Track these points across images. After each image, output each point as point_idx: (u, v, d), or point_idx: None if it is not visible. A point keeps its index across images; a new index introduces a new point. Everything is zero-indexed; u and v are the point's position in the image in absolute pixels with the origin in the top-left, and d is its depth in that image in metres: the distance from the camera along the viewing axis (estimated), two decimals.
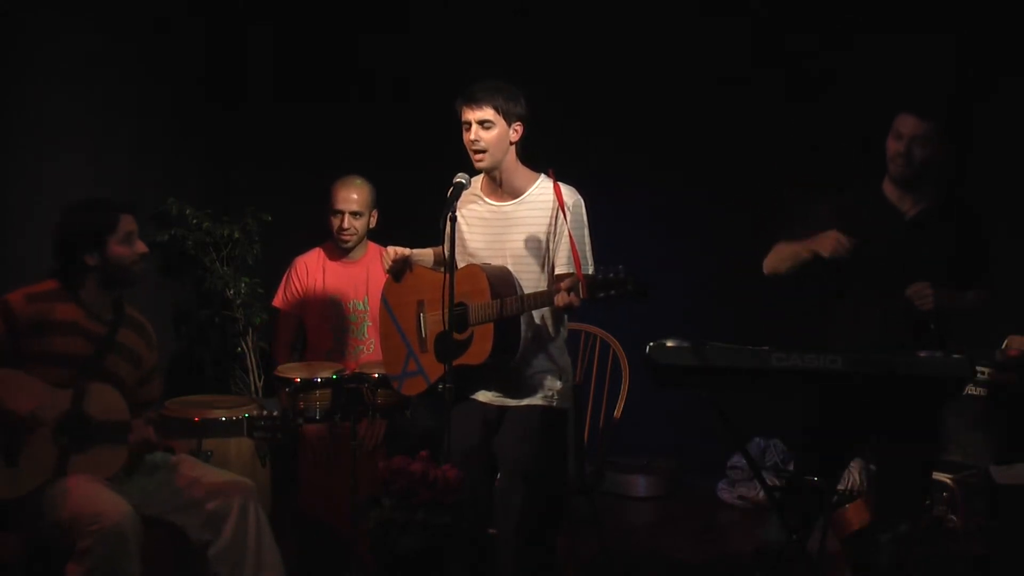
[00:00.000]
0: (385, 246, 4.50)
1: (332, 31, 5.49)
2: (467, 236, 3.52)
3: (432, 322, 3.51)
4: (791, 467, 4.80)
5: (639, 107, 5.39)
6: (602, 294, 3.10)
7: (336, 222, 4.38)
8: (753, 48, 5.28)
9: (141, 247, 3.38)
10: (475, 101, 3.39)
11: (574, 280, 3.17)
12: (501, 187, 3.49)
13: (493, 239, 3.49)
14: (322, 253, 4.50)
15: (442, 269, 3.46)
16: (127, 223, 3.35)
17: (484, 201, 3.52)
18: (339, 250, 4.46)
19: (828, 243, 3.51)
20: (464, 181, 3.39)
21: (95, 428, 3.20)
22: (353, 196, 4.36)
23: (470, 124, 3.41)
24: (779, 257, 3.71)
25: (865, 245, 3.52)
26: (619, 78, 5.39)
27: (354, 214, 4.36)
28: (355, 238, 4.40)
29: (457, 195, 3.37)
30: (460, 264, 3.48)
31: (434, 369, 3.48)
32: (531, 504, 3.36)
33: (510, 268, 3.44)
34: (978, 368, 3.69)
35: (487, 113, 3.38)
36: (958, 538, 4.20)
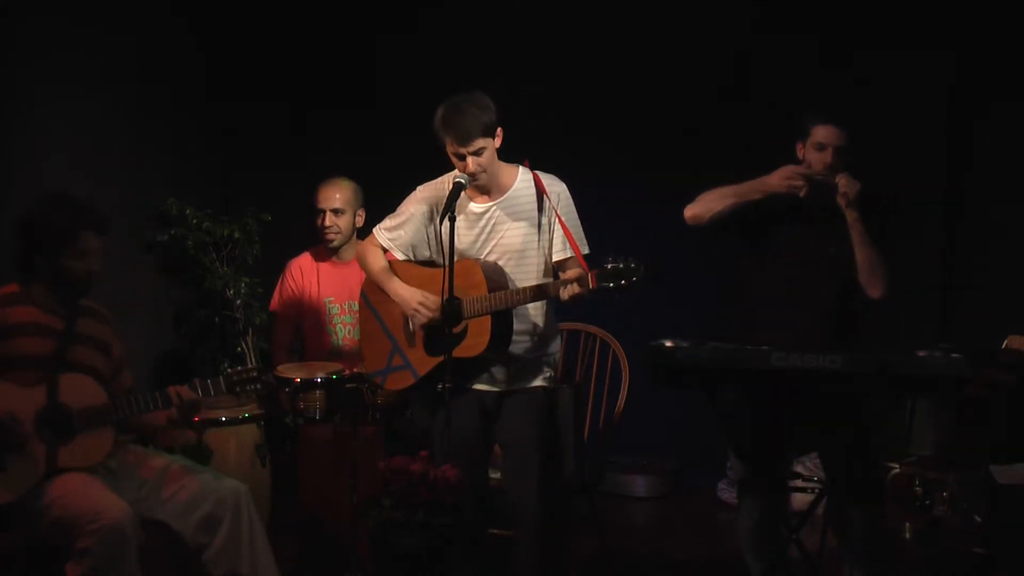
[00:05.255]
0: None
1: (332, 31, 5.49)
2: (455, 239, 3.49)
3: None
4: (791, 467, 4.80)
5: (637, 105, 5.39)
6: (612, 284, 3.13)
7: (319, 221, 4.40)
8: (753, 52, 5.29)
9: (94, 265, 3.29)
10: (464, 135, 3.33)
11: (581, 273, 3.19)
12: (486, 188, 3.48)
13: (483, 239, 3.49)
14: (314, 255, 4.51)
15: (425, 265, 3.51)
16: (88, 240, 3.27)
17: (469, 202, 3.50)
18: (330, 251, 4.46)
19: (779, 175, 3.42)
20: (464, 181, 3.40)
21: (76, 417, 3.20)
22: (335, 195, 4.38)
23: (463, 156, 3.37)
24: (717, 196, 3.51)
25: (788, 234, 3.47)
26: (615, 77, 5.39)
27: (335, 211, 4.37)
28: (339, 237, 4.40)
29: (456, 195, 3.37)
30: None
31: (423, 363, 3.49)
32: (550, 491, 3.40)
33: (502, 264, 3.45)
34: (978, 368, 3.68)
35: (479, 142, 3.35)
36: (958, 538, 4.21)
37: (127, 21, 4.70)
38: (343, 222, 4.39)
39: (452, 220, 3.32)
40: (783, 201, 3.46)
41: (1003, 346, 3.90)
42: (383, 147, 5.44)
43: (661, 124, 5.38)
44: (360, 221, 4.45)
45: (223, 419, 3.94)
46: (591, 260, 3.38)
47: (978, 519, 4.18)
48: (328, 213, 4.38)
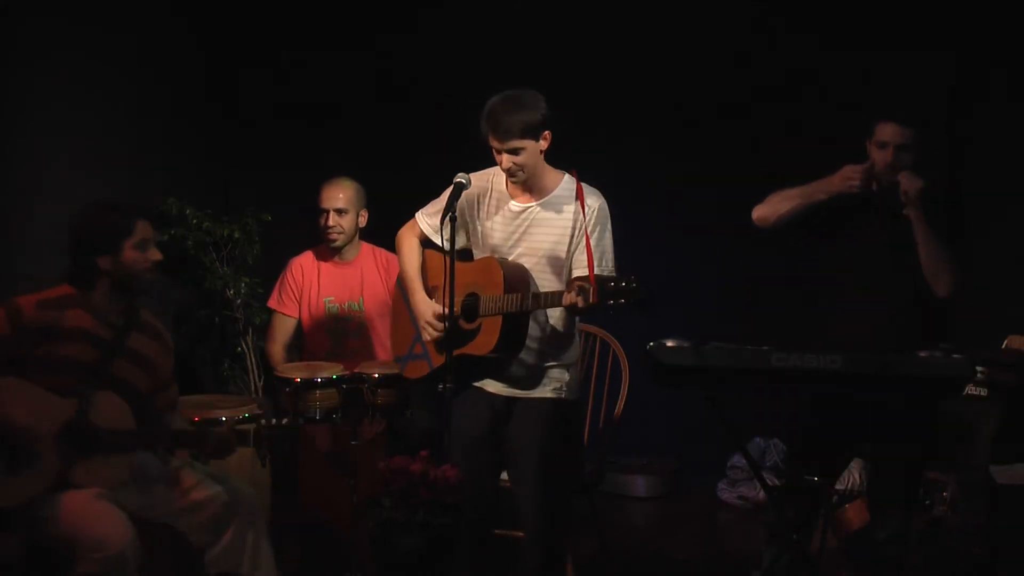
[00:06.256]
0: (381, 247, 4.53)
1: (332, 31, 5.49)
2: (490, 233, 3.49)
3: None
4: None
5: (647, 110, 5.41)
6: (611, 301, 3.07)
7: (322, 220, 4.40)
8: (753, 52, 5.29)
9: (155, 255, 3.36)
10: (502, 133, 3.32)
11: (586, 283, 3.15)
12: (528, 188, 3.46)
13: (516, 237, 3.46)
14: (316, 254, 4.51)
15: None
16: (143, 229, 3.33)
17: (509, 199, 3.48)
18: (332, 251, 4.46)
19: (840, 175, 3.47)
20: (464, 181, 3.38)
21: (99, 438, 3.17)
22: (338, 195, 4.38)
23: (500, 151, 3.36)
24: (783, 198, 3.57)
25: (856, 232, 3.51)
26: (613, 76, 5.40)
27: (339, 211, 4.38)
28: (342, 237, 4.40)
29: (457, 196, 3.36)
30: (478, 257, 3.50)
31: (438, 354, 3.49)
32: (552, 501, 3.40)
33: (529, 267, 3.42)
34: (978, 368, 3.68)
35: (516, 143, 3.33)
36: (958, 538, 4.20)
37: (127, 21, 4.69)
38: (346, 222, 4.39)
39: (453, 220, 3.30)
40: (852, 200, 3.50)
41: (1003, 346, 3.90)
42: (384, 147, 5.43)
43: (659, 124, 5.39)
44: (363, 221, 4.46)
45: (223, 419, 3.94)
46: None
47: (978, 519, 4.17)
48: (331, 213, 4.38)
